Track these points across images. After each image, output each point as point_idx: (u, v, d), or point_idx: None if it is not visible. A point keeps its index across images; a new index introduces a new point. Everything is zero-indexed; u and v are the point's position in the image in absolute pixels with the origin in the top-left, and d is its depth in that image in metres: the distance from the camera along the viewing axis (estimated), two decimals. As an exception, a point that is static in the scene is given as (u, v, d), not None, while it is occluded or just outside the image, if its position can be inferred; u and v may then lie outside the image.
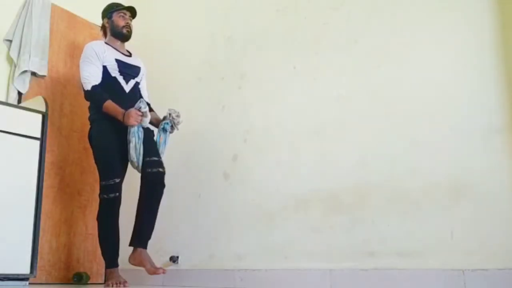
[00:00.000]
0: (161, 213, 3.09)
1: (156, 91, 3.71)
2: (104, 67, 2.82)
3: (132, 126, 2.68)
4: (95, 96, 2.77)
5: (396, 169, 2.46)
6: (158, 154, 2.83)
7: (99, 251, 3.51)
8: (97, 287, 3.10)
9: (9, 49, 3.21)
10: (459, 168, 2.29)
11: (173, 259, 3.16)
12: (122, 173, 2.86)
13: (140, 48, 3.91)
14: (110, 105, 2.73)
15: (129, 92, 2.90)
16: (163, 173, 2.79)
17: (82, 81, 2.80)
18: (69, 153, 3.44)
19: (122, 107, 2.73)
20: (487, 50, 2.31)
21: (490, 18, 2.33)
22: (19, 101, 3.15)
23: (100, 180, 2.79)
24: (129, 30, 3.02)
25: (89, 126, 3.62)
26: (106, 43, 2.97)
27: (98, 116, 2.82)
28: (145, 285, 3.19)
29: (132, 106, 2.73)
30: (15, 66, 3.19)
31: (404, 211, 2.40)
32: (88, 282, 3.32)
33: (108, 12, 3.04)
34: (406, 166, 2.44)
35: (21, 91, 3.16)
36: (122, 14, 3.02)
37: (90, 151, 3.57)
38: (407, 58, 2.54)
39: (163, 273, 2.66)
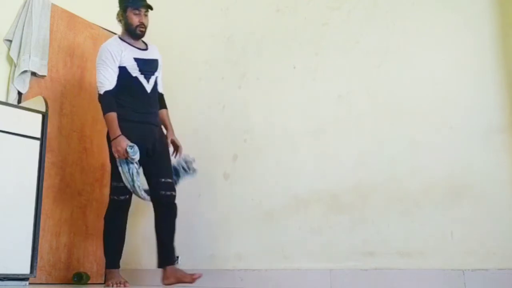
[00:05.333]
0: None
1: (156, 91, 3.72)
2: (124, 68, 2.74)
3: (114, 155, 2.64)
4: (103, 101, 2.70)
5: (396, 169, 2.46)
6: (171, 175, 2.80)
7: (99, 251, 3.51)
8: (97, 287, 3.11)
9: (9, 49, 3.21)
10: (459, 168, 2.29)
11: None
12: None
13: (140, 48, 3.91)
14: (111, 119, 2.66)
15: (150, 92, 2.82)
16: (175, 196, 2.78)
17: (97, 84, 2.74)
18: (69, 153, 3.43)
19: (144, 109, 2.74)
20: (487, 50, 2.31)
21: (490, 18, 2.33)
22: (19, 101, 3.15)
23: (112, 181, 2.76)
24: (142, 29, 2.87)
25: (89, 126, 3.64)
26: (121, 38, 2.87)
27: (118, 116, 2.73)
28: (145, 285, 3.19)
29: (153, 108, 2.77)
30: (15, 66, 3.19)
31: (404, 211, 2.40)
32: (88, 282, 3.31)
33: (123, 4, 2.90)
34: (406, 166, 2.44)
35: (21, 91, 3.16)
36: (136, 11, 2.85)
37: (90, 151, 3.59)
38: (407, 58, 2.54)
39: (200, 276, 2.62)
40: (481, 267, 2.13)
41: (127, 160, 2.61)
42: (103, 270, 3.53)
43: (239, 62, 3.23)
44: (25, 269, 2.59)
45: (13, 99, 3.13)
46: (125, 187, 2.68)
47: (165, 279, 2.65)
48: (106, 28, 3.92)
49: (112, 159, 2.72)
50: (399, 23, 2.61)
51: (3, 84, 3.20)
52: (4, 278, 2.49)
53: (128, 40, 2.86)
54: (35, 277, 2.65)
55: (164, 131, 2.96)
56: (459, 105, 2.34)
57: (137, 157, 2.60)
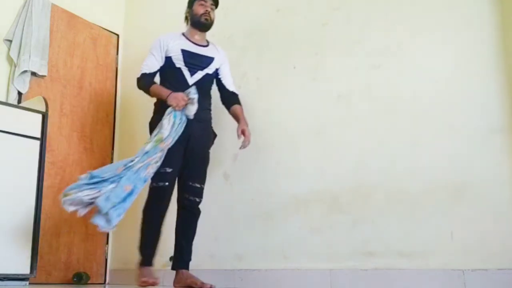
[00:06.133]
0: (161, 213, 3.08)
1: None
2: (169, 58, 2.68)
3: (173, 107, 2.49)
4: (141, 82, 2.67)
5: (396, 169, 2.46)
6: (201, 180, 2.68)
7: (99, 251, 3.52)
8: (97, 287, 3.11)
9: (9, 49, 3.22)
10: (459, 168, 2.29)
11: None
12: (176, 165, 2.58)
13: (140, 47, 3.92)
14: (155, 88, 2.62)
15: (193, 84, 2.64)
16: (199, 202, 2.67)
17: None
18: (69, 153, 3.44)
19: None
20: (487, 50, 2.31)
21: (490, 19, 2.33)
22: (19, 101, 3.15)
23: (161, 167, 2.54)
24: (208, 18, 2.77)
25: (89, 126, 3.64)
26: (183, 34, 2.81)
27: (158, 107, 2.66)
28: (145, 285, 3.19)
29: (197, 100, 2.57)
30: (15, 66, 3.19)
31: (404, 211, 2.40)
32: (88, 282, 3.32)
33: (190, 1, 2.86)
34: (406, 166, 2.44)
35: (21, 91, 3.17)
36: (202, 2, 2.79)
37: (90, 151, 3.60)
38: (407, 58, 2.54)
39: (212, 287, 2.51)
40: (481, 267, 2.13)
41: (180, 115, 2.50)
42: (103, 270, 3.53)
43: (239, 62, 3.23)
44: (25, 269, 2.59)
45: (13, 99, 3.13)
46: (165, 173, 2.50)
47: (175, 282, 2.60)
48: (106, 28, 3.93)
49: None
50: (399, 23, 2.61)
51: (3, 84, 3.20)
52: (4, 278, 2.49)
53: (188, 35, 2.79)
54: (35, 277, 2.65)
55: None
56: (459, 105, 2.34)
57: (197, 95, 2.51)
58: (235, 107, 2.81)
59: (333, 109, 2.74)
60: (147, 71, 2.67)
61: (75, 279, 3.23)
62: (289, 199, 2.80)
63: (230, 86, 2.86)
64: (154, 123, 2.59)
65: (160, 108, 2.58)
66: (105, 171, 2.35)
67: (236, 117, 2.78)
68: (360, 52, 2.71)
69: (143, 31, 3.93)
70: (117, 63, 3.97)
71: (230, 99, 2.84)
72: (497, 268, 2.09)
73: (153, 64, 2.68)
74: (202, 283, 2.48)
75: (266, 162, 2.97)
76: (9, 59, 3.23)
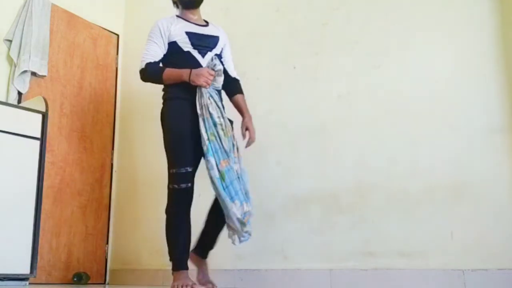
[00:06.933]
0: (161, 213, 3.06)
1: (156, 90, 3.71)
2: (174, 43, 2.43)
3: (201, 86, 2.29)
4: (148, 70, 2.40)
5: (396, 169, 2.46)
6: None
7: (99, 251, 3.52)
8: (97, 287, 3.11)
9: (9, 49, 3.21)
10: (459, 168, 2.29)
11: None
12: (195, 163, 2.40)
13: (140, 47, 3.91)
14: (169, 72, 2.35)
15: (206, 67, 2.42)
16: None
17: (141, 61, 2.46)
18: (69, 153, 3.44)
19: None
20: (487, 50, 2.31)
21: (490, 18, 2.33)
22: (19, 101, 3.15)
23: (169, 168, 2.35)
24: None
25: (89, 126, 3.64)
26: (177, 16, 2.60)
27: (171, 94, 2.42)
28: (145, 285, 3.19)
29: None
30: (15, 66, 3.19)
31: (404, 211, 2.40)
32: (88, 282, 3.32)
33: None
34: (406, 166, 2.44)
35: (21, 91, 3.17)
36: None
37: (90, 151, 3.60)
38: (407, 58, 2.54)
39: None
40: (481, 267, 2.13)
41: (211, 85, 2.32)
42: (103, 270, 3.53)
43: (239, 62, 3.23)
44: (25, 269, 2.59)
45: (13, 99, 3.13)
46: (187, 173, 2.31)
47: (196, 264, 2.52)
48: (106, 28, 3.93)
49: (169, 140, 2.38)
50: (399, 23, 2.61)
51: (3, 84, 3.20)
52: (4, 278, 2.49)
53: (184, 16, 2.57)
54: (35, 277, 2.65)
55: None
56: (459, 105, 2.34)
57: (221, 66, 2.36)
58: (238, 97, 2.59)
59: (333, 109, 2.75)
60: (152, 60, 2.42)
61: (75, 279, 3.23)
62: (289, 199, 2.80)
63: (232, 71, 2.63)
64: (172, 111, 2.38)
65: (176, 92, 2.37)
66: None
67: (239, 110, 2.58)
68: (360, 52, 2.71)
69: (143, 31, 3.91)
70: (117, 63, 3.97)
71: (232, 87, 2.61)
72: (497, 268, 2.09)
73: (156, 52, 2.44)
74: (208, 281, 2.47)
75: (266, 162, 2.97)
76: (9, 59, 3.23)
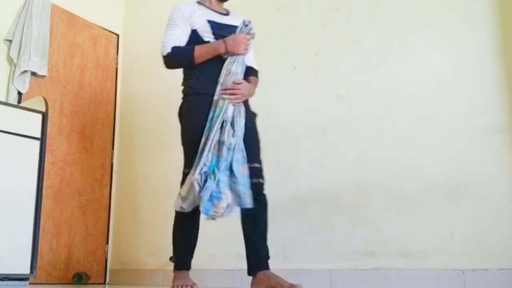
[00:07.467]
0: (161, 213, 3.09)
1: (156, 90, 3.72)
2: (195, 31, 2.26)
3: (240, 54, 2.15)
4: (174, 55, 2.20)
5: (396, 169, 2.46)
6: (258, 159, 2.31)
7: (99, 251, 3.51)
8: (97, 287, 3.11)
9: (9, 49, 3.22)
10: (459, 168, 2.29)
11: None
12: None
13: (140, 47, 3.92)
14: (202, 47, 2.17)
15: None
16: (263, 184, 2.27)
17: (161, 49, 2.24)
18: (69, 153, 3.44)
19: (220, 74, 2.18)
20: (487, 50, 2.31)
21: (490, 18, 2.33)
22: (19, 101, 3.15)
23: (185, 167, 2.20)
24: None
25: (89, 126, 3.64)
26: (198, 2, 2.42)
27: (191, 90, 2.25)
28: (145, 285, 3.19)
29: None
30: (15, 66, 3.19)
31: (404, 211, 2.40)
32: (88, 282, 3.32)
33: None
34: (406, 166, 2.44)
35: (21, 91, 3.17)
36: None
37: (90, 151, 3.60)
38: (407, 58, 2.54)
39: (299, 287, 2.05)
40: (481, 267, 2.13)
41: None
42: (103, 270, 3.53)
43: (239, 62, 3.23)
44: (25, 269, 2.59)
45: (13, 99, 3.14)
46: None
47: (254, 285, 2.16)
48: (106, 28, 3.93)
49: (185, 138, 2.24)
50: (399, 23, 2.61)
51: (3, 84, 3.21)
52: (4, 278, 2.49)
53: (206, 3, 2.39)
54: (35, 277, 2.65)
55: None
56: (459, 105, 2.34)
57: (254, 30, 2.22)
58: (248, 78, 2.32)
59: (333, 109, 2.74)
60: (178, 44, 2.21)
61: (75, 279, 3.23)
62: (289, 199, 2.80)
63: (249, 61, 2.38)
64: (191, 109, 2.22)
65: (197, 88, 2.22)
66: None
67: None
68: (360, 52, 2.71)
69: (143, 31, 3.93)
70: (117, 63, 3.96)
71: (248, 73, 2.36)
72: (497, 268, 2.09)
73: (180, 37, 2.24)
74: (291, 284, 2.01)
75: (266, 162, 2.97)
76: (9, 59, 3.23)
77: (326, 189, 2.67)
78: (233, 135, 2.13)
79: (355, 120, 2.65)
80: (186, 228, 2.28)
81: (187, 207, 2.11)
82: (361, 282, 2.42)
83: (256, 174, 2.22)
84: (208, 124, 2.12)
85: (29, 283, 2.65)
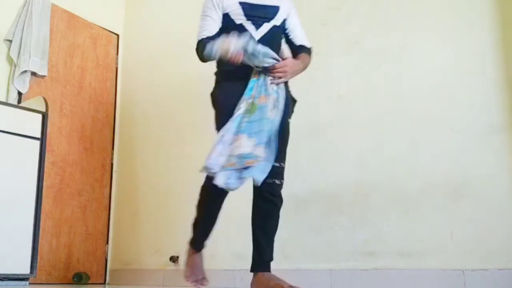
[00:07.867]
0: (161, 213, 3.09)
1: (156, 90, 3.72)
2: (226, 15, 2.23)
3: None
4: (205, 48, 2.13)
5: (396, 169, 2.46)
6: (283, 158, 2.24)
7: (99, 251, 3.52)
8: (97, 287, 3.11)
9: (9, 49, 3.22)
10: (459, 168, 2.29)
11: (173, 259, 3.16)
12: None
13: (140, 47, 3.92)
14: (226, 42, 2.06)
15: (260, 39, 2.18)
16: (280, 185, 2.18)
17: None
18: (69, 153, 3.44)
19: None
20: (487, 51, 2.31)
21: (490, 18, 2.33)
22: (19, 101, 3.15)
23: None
24: None
25: (89, 126, 3.64)
26: None
27: (222, 76, 2.26)
28: (145, 285, 3.19)
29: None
30: (15, 66, 3.19)
31: (404, 211, 2.40)
32: (88, 282, 3.32)
33: None
34: (406, 166, 2.44)
35: (21, 91, 3.17)
36: None
37: (90, 151, 3.60)
38: (407, 58, 2.54)
39: None
40: (481, 267, 2.13)
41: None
42: (103, 270, 3.54)
43: (239, 62, 3.23)
44: (25, 269, 2.59)
45: (13, 99, 3.14)
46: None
47: (253, 285, 2.13)
48: (106, 28, 3.93)
49: (218, 121, 2.18)
50: (399, 23, 2.61)
51: (3, 84, 3.21)
52: (4, 278, 2.49)
53: None
54: (35, 277, 2.65)
55: None
56: (459, 105, 2.34)
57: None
58: (298, 55, 2.27)
59: (333, 109, 2.74)
60: (209, 34, 2.21)
61: (75, 279, 3.23)
62: (289, 199, 2.79)
63: (299, 40, 2.31)
64: (221, 94, 2.23)
65: (229, 74, 2.21)
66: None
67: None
68: (360, 52, 2.71)
69: (143, 31, 3.93)
70: (117, 63, 3.96)
71: (298, 52, 2.31)
72: (497, 268, 2.09)
73: (212, 27, 2.23)
74: (290, 286, 1.98)
75: (266, 162, 2.96)
76: (9, 59, 3.23)
77: (326, 189, 2.67)
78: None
79: (355, 120, 2.65)
80: (209, 211, 2.30)
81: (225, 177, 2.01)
82: (361, 282, 2.42)
83: (274, 173, 2.10)
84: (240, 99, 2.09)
85: (29, 283, 2.65)
